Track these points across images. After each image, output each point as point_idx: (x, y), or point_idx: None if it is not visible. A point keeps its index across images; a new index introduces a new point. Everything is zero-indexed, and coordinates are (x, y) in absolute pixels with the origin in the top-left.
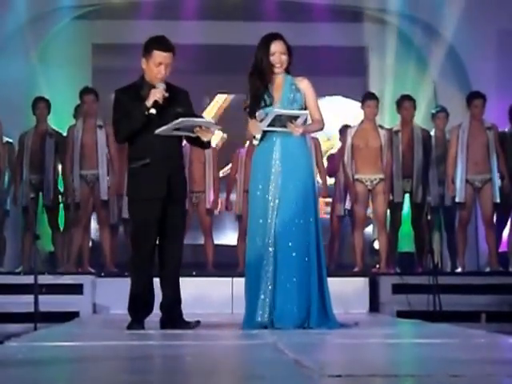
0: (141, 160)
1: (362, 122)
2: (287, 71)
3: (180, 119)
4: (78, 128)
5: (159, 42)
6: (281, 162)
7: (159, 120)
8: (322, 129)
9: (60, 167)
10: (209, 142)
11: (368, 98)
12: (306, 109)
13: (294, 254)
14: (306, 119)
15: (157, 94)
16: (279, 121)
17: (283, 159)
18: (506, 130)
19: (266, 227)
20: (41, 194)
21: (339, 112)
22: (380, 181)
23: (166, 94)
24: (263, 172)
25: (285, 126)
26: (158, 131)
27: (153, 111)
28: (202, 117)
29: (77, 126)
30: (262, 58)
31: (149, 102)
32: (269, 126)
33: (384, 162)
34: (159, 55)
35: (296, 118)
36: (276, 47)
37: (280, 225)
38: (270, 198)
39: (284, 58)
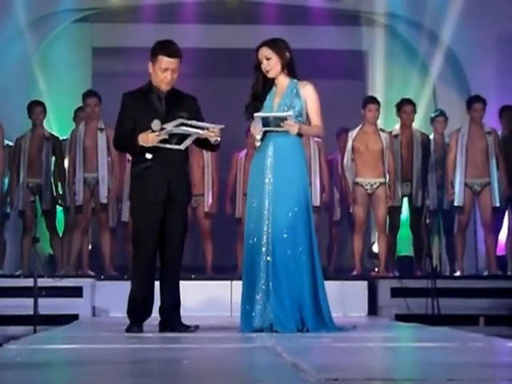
0: (143, 163)
1: (363, 125)
2: (293, 75)
3: (173, 124)
4: (80, 131)
5: (165, 48)
6: (273, 168)
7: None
8: (320, 135)
9: (57, 171)
10: (218, 144)
11: (369, 102)
12: (307, 114)
13: (286, 261)
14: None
15: (155, 140)
16: (271, 122)
17: (276, 164)
18: (499, 132)
19: (260, 233)
20: (38, 197)
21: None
22: (380, 185)
23: (166, 137)
24: (257, 178)
25: (280, 126)
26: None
27: (148, 156)
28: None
29: (79, 129)
30: (255, 67)
31: (146, 144)
32: (266, 126)
33: (386, 165)
34: (165, 61)
35: (285, 118)
36: (260, 54)
37: (273, 231)
38: (263, 203)
39: (270, 62)
